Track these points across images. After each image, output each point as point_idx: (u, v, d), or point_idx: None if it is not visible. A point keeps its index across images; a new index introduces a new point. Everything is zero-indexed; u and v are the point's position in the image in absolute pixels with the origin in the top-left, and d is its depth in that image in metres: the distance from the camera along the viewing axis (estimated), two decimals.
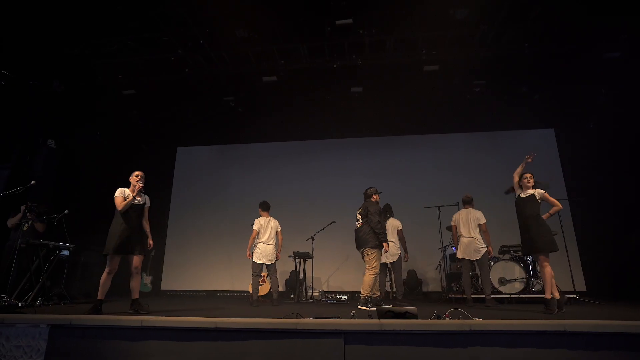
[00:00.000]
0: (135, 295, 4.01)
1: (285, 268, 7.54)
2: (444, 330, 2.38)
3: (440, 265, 6.80)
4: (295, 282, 6.99)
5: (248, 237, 5.69)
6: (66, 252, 5.61)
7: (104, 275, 3.83)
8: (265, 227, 5.69)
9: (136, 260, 3.96)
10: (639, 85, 6.58)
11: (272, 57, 6.17)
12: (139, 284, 4.07)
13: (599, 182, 7.36)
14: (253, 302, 5.49)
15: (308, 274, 7.05)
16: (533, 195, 4.29)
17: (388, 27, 5.64)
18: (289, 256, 6.88)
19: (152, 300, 6.47)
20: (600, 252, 7.15)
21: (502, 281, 5.65)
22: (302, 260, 6.88)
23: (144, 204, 4.18)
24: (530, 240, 4.14)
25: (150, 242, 4.18)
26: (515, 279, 5.62)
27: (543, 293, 5.33)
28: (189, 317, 2.84)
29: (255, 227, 5.68)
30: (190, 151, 9.34)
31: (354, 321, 2.57)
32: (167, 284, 8.37)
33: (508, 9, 5.19)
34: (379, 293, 5.09)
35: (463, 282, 5.35)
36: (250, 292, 6.64)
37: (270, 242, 5.64)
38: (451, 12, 5.37)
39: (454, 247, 6.75)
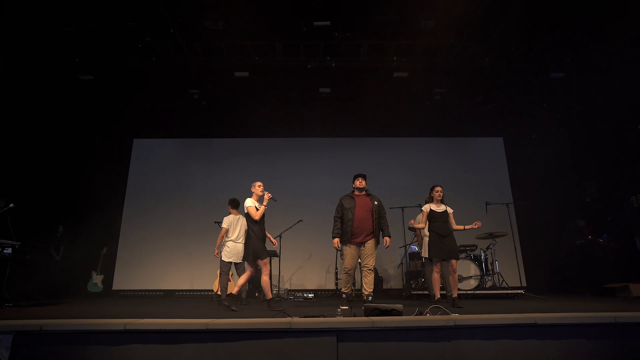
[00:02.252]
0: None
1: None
2: (431, 326, 2.56)
3: (402, 263, 7.14)
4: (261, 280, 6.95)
5: (210, 235, 5.59)
6: (9, 250, 5.10)
7: (267, 277, 4.36)
8: (235, 225, 5.62)
9: (267, 263, 4.40)
10: (576, 102, 7.42)
11: (246, 52, 6.06)
12: (269, 282, 4.46)
13: (539, 187, 8.16)
14: (221, 301, 5.37)
15: (274, 272, 7.04)
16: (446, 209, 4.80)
17: (363, 32, 5.80)
18: None
19: (103, 301, 6.10)
20: (539, 251, 7.95)
21: (459, 278, 6.08)
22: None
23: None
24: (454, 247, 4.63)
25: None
26: (471, 276, 6.07)
27: (494, 289, 5.89)
28: (177, 318, 2.75)
29: (224, 225, 5.59)
30: (148, 143, 8.84)
31: (347, 319, 2.66)
32: (119, 284, 7.88)
33: (474, 26, 5.58)
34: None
35: (426, 279, 5.67)
36: (215, 290, 6.52)
37: (240, 241, 5.59)
38: (423, 24, 5.66)
39: (413, 247, 7.13)
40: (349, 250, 4.53)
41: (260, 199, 4.54)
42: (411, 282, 6.66)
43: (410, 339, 2.57)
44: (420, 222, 4.92)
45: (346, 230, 4.52)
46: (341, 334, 2.59)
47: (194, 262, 7.99)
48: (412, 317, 2.70)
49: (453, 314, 2.90)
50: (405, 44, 5.98)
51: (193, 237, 8.11)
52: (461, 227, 4.76)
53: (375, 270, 7.74)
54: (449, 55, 6.21)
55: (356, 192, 4.77)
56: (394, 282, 7.92)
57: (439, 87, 7.22)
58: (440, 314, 2.93)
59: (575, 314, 2.55)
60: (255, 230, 4.37)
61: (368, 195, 4.77)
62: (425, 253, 5.66)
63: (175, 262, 8.04)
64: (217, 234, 5.66)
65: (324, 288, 7.96)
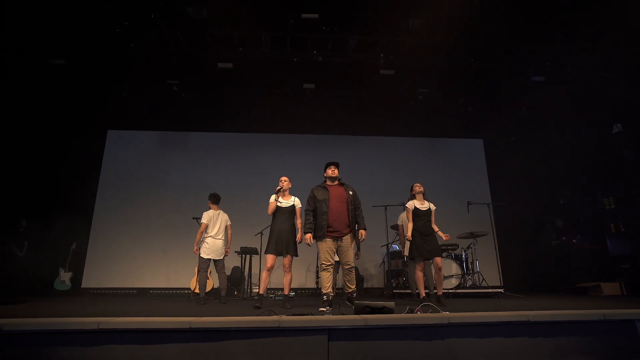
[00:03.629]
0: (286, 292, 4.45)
1: (227, 264, 7.24)
2: (425, 324, 2.50)
3: (383, 262, 7.12)
4: (240, 278, 6.78)
5: (187, 231, 5.36)
6: None
7: (264, 272, 4.37)
8: (215, 220, 5.42)
9: (286, 260, 4.40)
10: (554, 106, 7.63)
11: (230, 43, 5.86)
12: (288, 281, 4.45)
13: (516, 189, 8.34)
14: (200, 299, 5.18)
15: (254, 271, 6.87)
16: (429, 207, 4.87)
17: (351, 27, 5.72)
18: (236, 252, 6.63)
19: (72, 300, 5.74)
20: (514, 251, 8.13)
21: None
22: (248, 256, 6.68)
23: (292, 205, 4.62)
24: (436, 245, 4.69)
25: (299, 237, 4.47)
26: (452, 275, 6.12)
27: (475, 288, 5.95)
28: (158, 317, 2.57)
29: (204, 220, 5.38)
30: (123, 135, 8.45)
31: (338, 317, 2.56)
32: (89, 282, 7.47)
33: (461, 27, 5.62)
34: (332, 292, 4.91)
35: (408, 278, 5.66)
36: (192, 288, 6.30)
37: (220, 237, 5.40)
38: (411, 22, 5.64)
39: (394, 246, 7.13)
40: (325, 245, 4.01)
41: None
42: (392, 281, 6.65)
43: (403, 337, 2.50)
44: (408, 222, 4.85)
45: (321, 225, 4.01)
46: (332, 333, 2.49)
47: (170, 259, 7.69)
48: (405, 315, 2.64)
49: (444, 312, 2.87)
50: (392, 42, 5.96)
51: (169, 233, 7.81)
52: (436, 227, 4.84)
53: (356, 269, 7.69)
54: (436, 55, 6.23)
55: (328, 182, 4.30)
56: (375, 281, 7.89)
57: (423, 87, 7.24)
58: (430, 312, 2.88)
59: (567, 311, 2.56)
60: (272, 224, 4.54)
61: (342, 184, 4.32)
62: (407, 252, 5.67)
63: (150, 259, 7.71)
64: (195, 230, 5.44)
65: (305, 287, 7.84)
